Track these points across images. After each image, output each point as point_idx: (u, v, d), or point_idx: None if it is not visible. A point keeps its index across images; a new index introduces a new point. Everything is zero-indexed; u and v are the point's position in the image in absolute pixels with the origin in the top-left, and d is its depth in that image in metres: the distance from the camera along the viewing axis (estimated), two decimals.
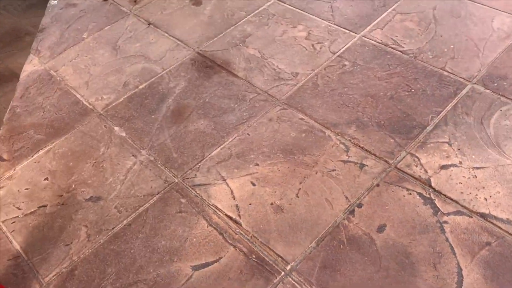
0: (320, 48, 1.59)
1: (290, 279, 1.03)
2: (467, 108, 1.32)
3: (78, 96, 1.57)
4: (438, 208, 1.11)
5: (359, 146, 1.28)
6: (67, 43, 1.81)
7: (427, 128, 1.29)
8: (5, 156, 1.41)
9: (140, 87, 1.57)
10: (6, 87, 1.70)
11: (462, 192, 1.14)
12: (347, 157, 1.25)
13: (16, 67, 1.78)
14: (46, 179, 1.33)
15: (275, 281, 1.03)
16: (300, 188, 1.20)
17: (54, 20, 1.93)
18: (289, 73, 1.52)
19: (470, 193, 1.13)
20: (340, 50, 1.57)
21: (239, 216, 1.17)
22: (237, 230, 1.14)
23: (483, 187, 1.14)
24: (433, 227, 1.08)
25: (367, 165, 1.23)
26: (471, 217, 1.09)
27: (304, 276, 1.03)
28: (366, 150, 1.26)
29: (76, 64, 1.71)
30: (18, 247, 1.18)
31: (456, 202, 1.12)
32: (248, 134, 1.36)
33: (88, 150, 1.39)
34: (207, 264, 1.08)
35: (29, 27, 1.92)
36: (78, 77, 1.65)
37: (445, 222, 1.09)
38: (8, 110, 1.57)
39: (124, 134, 1.41)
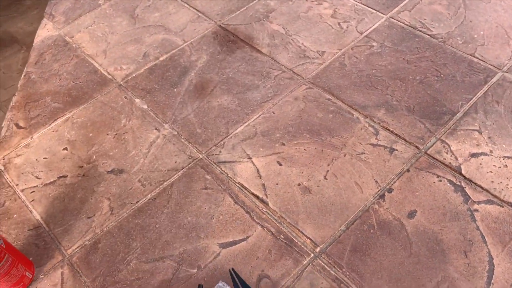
0: (347, 27, 1.56)
1: (319, 261, 1.02)
2: (498, 96, 1.31)
3: (96, 64, 1.52)
4: (469, 196, 1.10)
5: (389, 130, 1.26)
6: (83, 8, 1.74)
7: (457, 114, 1.27)
8: (21, 123, 1.37)
9: (161, 58, 1.52)
10: (6, 52, 1.64)
11: (492, 181, 1.13)
12: (376, 140, 1.23)
13: (15, 31, 1.72)
14: (65, 149, 1.29)
15: (304, 263, 1.02)
16: (328, 170, 1.19)
17: None
18: (315, 52, 1.49)
19: (501, 182, 1.12)
20: (367, 30, 1.53)
21: (266, 195, 1.15)
22: (264, 210, 1.12)
23: None
24: (463, 215, 1.07)
25: (397, 150, 1.21)
26: (502, 207, 1.08)
27: (334, 259, 1.02)
28: (396, 134, 1.24)
29: (93, 31, 1.65)
30: (38, 217, 1.15)
31: (487, 191, 1.11)
32: (273, 112, 1.33)
33: (109, 121, 1.35)
34: (234, 242, 1.07)
35: None
36: (95, 45, 1.60)
37: (476, 210, 1.08)
38: (22, 76, 1.52)
39: (145, 107, 1.38)
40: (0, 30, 1.73)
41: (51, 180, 1.22)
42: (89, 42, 1.61)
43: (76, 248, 1.09)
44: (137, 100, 1.40)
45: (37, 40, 1.65)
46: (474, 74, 1.37)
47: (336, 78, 1.40)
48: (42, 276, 1.05)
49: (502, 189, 1.11)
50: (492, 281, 0.97)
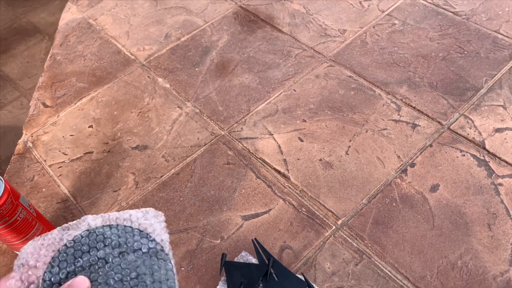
0: (368, 5, 1.54)
1: (341, 233, 1.03)
2: None
3: (119, 45, 1.55)
4: (493, 171, 1.09)
5: (411, 106, 1.25)
6: None
7: (481, 90, 1.26)
8: (48, 103, 1.41)
9: (182, 39, 1.54)
10: (29, 42, 1.68)
11: None
12: (398, 116, 1.23)
13: (37, 21, 1.75)
14: (91, 126, 1.32)
15: (326, 235, 1.03)
16: (350, 146, 1.19)
17: None
18: (336, 30, 1.48)
19: None
20: (389, 8, 1.52)
21: (287, 170, 1.16)
22: (286, 184, 1.13)
23: None
24: (487, 188, 1.07)
25: (419, 125, 1.20)
26: None
27: (355, 231, 1.03)
28: (418, 110, 1.24)
29: (116, 14, 1.67)
30: (66, 191, 1.19)
31: (511, 165, 1.10)
32: (294, 90, 1.34)
33: (132, 99, 1.37)
34: (256, 215, 1.08)
35: None
36: (118, 26, 1.62)
37: (500, 184, 1.07)
38: (48, 58, 1.56)
39: (168, 86, 1.40)
40: (23, 21, 1.77)
41: (78, 156, 1.26)
42: (112, 24, 1.63)
43: None
44: (159, 79, 1.42)
45: (62, 23, 1.68)
46: (499, 50, 1.35)
47: (358, 56, 1.40)
48: None
49: None
50: None
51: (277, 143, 1.22)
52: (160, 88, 1.39)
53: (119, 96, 1.39)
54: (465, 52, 1.36)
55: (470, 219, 1.02)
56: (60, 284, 0.42)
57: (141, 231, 0.48)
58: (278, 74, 1.38)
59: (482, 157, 1.12)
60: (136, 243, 0.47)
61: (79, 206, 1.15)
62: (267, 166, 1.17)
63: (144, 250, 0.47)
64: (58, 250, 0.45)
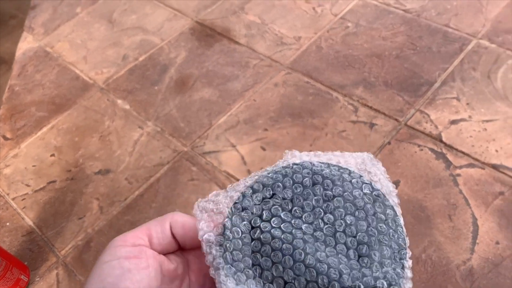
0: (321, 11, 1.57)
1: None
2: (474, 63, 1.32)
3: (77, 71, 1.54)
4: (450, 162, 1.12)
5: (368, 106, 1.27)
6: (61, 19, 1.76)
7: (435, 84, 1.29)
8: (8, 135, 1.39)
9: (140, 59, 1.54)
10: None
11: (473, 145, 1.14)
12: (356, 117, 1.25)
13: (2, 51, 1.74)
14: (53, 155, 1.31)
15: None
16: (311, 150, 1.20)
17: None
18: (292, 38, 1.50)
19: (481, 145, 1.14)
20: (342, 11, 1.55)
21: None
22: None
23: (494, 139, 1.14)
24: (446, 180, 1.09)
25: (377, 124, 1.22)
26: (484, 169, 1.09)
27: None
28: (375, 109, 1.26)
29: (72, 40, 1.67)
30: (31, 222, 1.17)
31: (468, 155, 1.12)
32: (254, 100, 1.35)
33: (93, 124, 1.37)
34: None
35: (13, 10, 1.86)
36: (75, 52, 1.62)
37: (458, 175, 1.09)
38: (6, 89, 1.54)
39: (128, 107, 1.39)
40: None
41: (41, 186, 1.24)
42: (69, 50, 1.63)
43: (69, 249, 1.11)
44: (119, 101, 1.41)
45: (18, 53, 1.67)
46: (450, 44, 1.38)
47: (314, 61, 1.42)
48: (38, 278, 1.07)
49: (483, 152, 1.12)
50: (477, 240, 0.98)
51: (240, 154, 1.23)
52: (120, 110, 1.39)
53: (80, 122, 1.38)
54: (418, 48, 1.39)
55: (431, 212, 1.04)
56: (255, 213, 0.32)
57: (361, 175, 0.36)
58: (237, 86, 1.39)
59: (439, 150, 1.14)
60: (356, 190, 0.34)
61: (44, 237, 1.14)
62: (232, 178, 1.18)
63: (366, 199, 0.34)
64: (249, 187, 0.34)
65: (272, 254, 0.31)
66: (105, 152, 1.29)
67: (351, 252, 0.32)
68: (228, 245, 0.32)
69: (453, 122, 1.19)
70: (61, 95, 1.47)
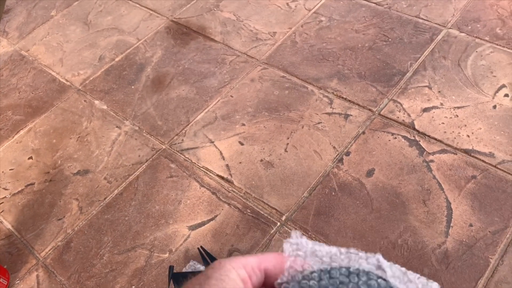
0: (295, 6, 1.59)
1: (286, 228, 1.05)
2: (444, 52, 1.35)
3: (54, 73, 1.54)
4: (424, 149, 1.14)
5: (342, 97, 1.29)
6: (36, 22, 1.75)
7: (407, 74, 1.31)
8: None
9: (117, 59, 1.54)
10: None
11: (445, 132, 1.17)
12: (331, 109, 1.27)
13: None
14: (30, 158, 1.30)
15: (271, 232, 1.05)
16: (288, 143, 1.22)
17: (19, 0, 1.87)
18: (267, 33, 1.52)
19: (453, 131, 1.16)
20: (315, 6, 1.57)
21: (230, 175, 1.17)
22: (230, 189, 1.15)
23: (465, 125, 1.17)
24: (420, 166, 1.11)
25: (351, 115, 1.24)
26: (456, 154, 1.12)
27: (299, 224, 1.05)
28: (350, 100, 1.28)
29: (48, 42, 1.66)
30: (9, 226, 1.16)
31: (440, 141, 1.15)
32: (231, 96, 1.36)
33: (70, 125, 1.36)
34: (203, 223, 1.09)
35: None
36: (51, 55, 1.61)
37: (431, 161, 1.12)
38: None
39: (105, 107, 1.39)
40: None
41: (19, 189, 1.23)
42: (45, 53, 1.62)
43: (49, 250, 1.10)
44: (96, 102, 1.41)
45: None
46: (421, 34, 1.41)
47: (289, 56, 1.43)
48: (18, 281, 1.06)
49: (455, 138, 1.15)
50: (451, 224, 1.01)
51: (219, 149, 1.24)
52: (97, 111, 1.39)
53: (57, 124, 1.37)
54: (390, 40, 1.41)
55: (406, 198, 1.06)
56: None
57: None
58: (214, 83, 1.40)
59: (412, 137, 1.17)
60: None
61: (24, 240, 1.13)
62: (210, 174, 1.19)
63: None
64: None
65: None
66: (84, 152, 1.29)
67: None
68: None
69: (425, 110, 1.22)
70: (37, 98, 1.47)
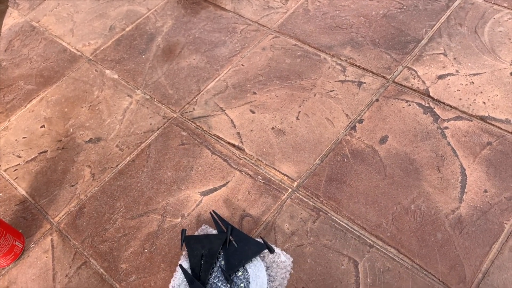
0: None
1: (297, 194, 1.05)
2: (460, 19, 1.31)
3: (65, 44, 1.53)
4: (438, 116, 1.12)
5: (356, 65, 1.27)
6: None
7: (422, 41, 1.28)
8: None
9: (127, 29, 1.53)
10: None
11: (460, 99, 1.14)
12: (344, 77, 1.25)
13: None
14: (43, 126, 1.31)
15: (283, 198, 1.05)
16: (300, 111, 1.20)
17: None
18: (278, 1, 1.49)
19: (469, 98, 1.14)
20: None
21: (242, 142, 1.17)
22: (241, 156, 1.14)
23: (481, 92, 1.15)
24: (434, 133, 1.09)
25: (365, 83, 1.22)
26: (471, 121, 1.10)
27: (311, 190, 1.05)
28: (363, 68, 1.26)
29: (58, 13, 1.65)
30: (23, 192, 1.18)
31: (456, 108, 1.13)
32: (242, 65, 1.34)
33: (82, 95, 1.36)
34: (214, 189, 1.09)
35: None
36: (61, 25, 1.60)
37: (446, 127, 1.10)
38: None
39: (116, 76, 1.39)
40: None
41: (32, 156, 1.24)
42: (56, 23, 1.61)
43: (63, 216, 1.11)
44: (107, 71, 1.41)
45: (4, 28, 1.65)
46: (436, 1, 1.37)
47: (301, 24, 1.41)
48: (33, 245, 1.08)
49: (470, 105, 1.13)
50: (466, 190, 1.00)
51: (230, 118, 1.23)
52: (108, 80, 1.38)
53: (69, 93, 1.38)
54: (404, 7, 1.38)
55: (419, 164, 1.05)
56: None
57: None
58: (225, 51, 1.39)
59: (427, 105, 1.15)
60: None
61: (38, 206, 1.14)
62: (222, 141, 1.18)
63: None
64: None
65: None
66: (95, 121, 1.29)
67: None
68: None
69: (441, 77, 1.20)
70: (49, 68, 1.47)
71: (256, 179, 1.09)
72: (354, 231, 0.97)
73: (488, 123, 1.09)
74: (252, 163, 1.12)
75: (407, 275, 0.90)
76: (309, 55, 1.32)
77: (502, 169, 1.01)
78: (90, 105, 1.33)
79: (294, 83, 1.27)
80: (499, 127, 1.08)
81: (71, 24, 1.59)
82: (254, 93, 1.27)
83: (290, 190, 1.06)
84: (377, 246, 0.95)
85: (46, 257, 1.05)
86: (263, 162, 1.12)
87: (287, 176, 1.08)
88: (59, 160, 1.22)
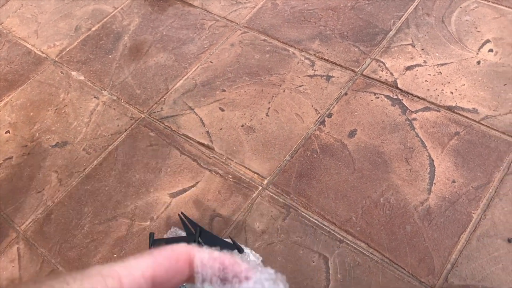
0: None
1: (268, 192, 1.04)
2: (428, 9, 1.31)
3: (29, 46, 1.49)
4: (406, 107, 1.12)
5: (324, 59, 1.26)
6: None
7: (390, 33, 1.28)
8: None
9: (93, 29, 1.49)
10: None
11: (428, 89, 1.14)
12: (313, 71, 1.24)
13: None
14: (8, 132, 1.27)
15: (253, 196, 1.04)
16: (269, 108, 1.19)
17: None
18: None
19: (436, 89, 1.14)
20: None
21: (211, 141, 1.15)
22: (211, 155, 1.13)
23: (449, 82, 1.15)
24: (402, 125, 1.09)
25: (333, 76, 1.21)
26: (439, 111, 1.10)
27: (281, 187, 1.04)
28: (332, 62, 1.25)
29: (22, 14, 1.61)
30: None
31: (423, 99, 1.13)
32: (211, 62, 1.32)
33: (48, 98, 1.33)
34: (184, 190, 1.08)
35: None
36: (26, 27, 1.56)
37: (414, 119, 1.10)
38: None
39: (82, 78, 1.36)
40: None
41: None
42: (19, 25, 1.57)
43: (29, 223, 1.09)
44: (73, 73, 1.38)
45: None
46: None
47: (270, 19, 1.39)
48: None
49: (438, 95, 1.13)
50: (434, 181, 1.00)
51: (199, 116, 1.21)
52: (74, 82, 1.35)
53: (34, 96, 1.34)
54: None
55: (388, 157, 1.05)
56: None
57: None
58: (193, 49, 1.37)
59: (395, 96, 1.15)
60: None
61: (3, 214, 1.11)
62: (191, 141, 1.16)
63: None
64: None
65: None
66: (62, 124, 1.26)
67: None
68: None
69: (408, 68, 1.19)
70: (13, 71, 1.43)
71: (226, 178, 1.08)
72: (324, 227, 0.97)
73: (456, 113, 1.09)
74: (222, 162, 1.11)
75: (377, 269, 0.90)
76: (278, 50, 1.30)
77: (470, 159, 1.02)
78: (56, 109, 1.30)
79: (263, 79, 1.25)
80: (466, 117, 1.08)
81: (36, 26, 1.55)
82: (223, 90, 1.25)
83: (260, 188, 1.05)
84: (347, 241, 0.94)
85: (13, 266, 1.02)
86: (233, 160, 1.11)
87: (257, 173, 1.07)
88: (25, 166, 1.19)
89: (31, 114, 1.30)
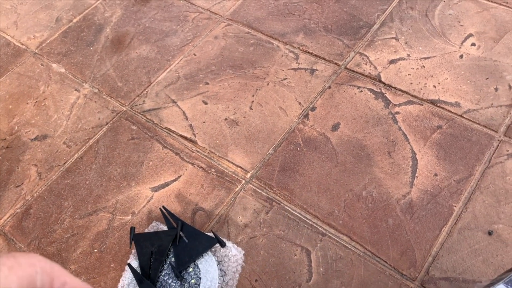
0: None
1: (251, 185, 1.03)
2: (412, 2, 1.31)
3: (8, 37, 1.46)
4: (389, 101, 1.12)
5: (308, 52, 1.25)
6: None
7: (374, 26, 1.28)
8: None
9: (74, 20, 1.46)
10: None
11: (411, 83, 1.14)
12: (297, 64, 1.23)
13: None
14: None
15: (236, 190, 1.03)
16: (253, 101, 1.18)
17: None
18: None
19: (419, 82, 1.14)
20: None
21: (194, 135, 1.14)
22: (194, 149, 1.12)
23: (432, 76, 1.15)
24: (385, 118, 1.09)
25: (317, 70, 1.21)
26: (422, 105, 1.10)
27: (264, 181, 1.03)
28: (316, 55, 1.24)
29: (1, 5, 1.57)
30: None
31: (407, 92, 1.13)
32: (194, 54, 1.31)
33: (27, 90, 1.30)
34: (166, 184, 1.06)
35: None
36: (4, 18, 1.52)
37: (397, 112, 1.10)
38: None
39: (63, 70, 1.33)
40: None
41: None
42: None
43: (7, 218, 1.07)
44: (53, 65, 1.35)
45: None
46: None
47: (254, 11, 1.38)
48: None
49: (421, 89, 1.13)
50: (416, 174, 1.00)
51: (182, 110, 1.20)
52: (55, 74, 1.32)
53: (13, 89, 1.31)
54: None
55: (371, 150, 1.05)
56: None
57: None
58: (176, 41, 1.35)
59: (378, 90, 1.15)
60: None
61: None
62: (173, 134, 1.15)
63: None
64: None
65: None
66: (41, 117, 1.23)
67: None
68: None
69: (392, 61, 1.19)
70: None
71: (209, 172, 1.07)
72: (307, 220, 0.96)
73: (439, 106, 1.10)
74: (205, 156, 1.10)
75: (359, 262, 0.90)
76: (262, 43, 1.29)
77: (452, 152, 1.02)
78: (36, 101, 1.27)
79: (247, 72, 1.24)
80: (449, 110, 1.08)
81: (15, 16, 1.52)
82: (207, 83, 1.24)
83: (243, 181, 1.04)
84: (329, 234, 0.94)
85: None
86: (216, 154, 1.10)
87: (240, 167, 1.06)
88: (3, 160, 1.17)
89: (10, 106, 1.27)
